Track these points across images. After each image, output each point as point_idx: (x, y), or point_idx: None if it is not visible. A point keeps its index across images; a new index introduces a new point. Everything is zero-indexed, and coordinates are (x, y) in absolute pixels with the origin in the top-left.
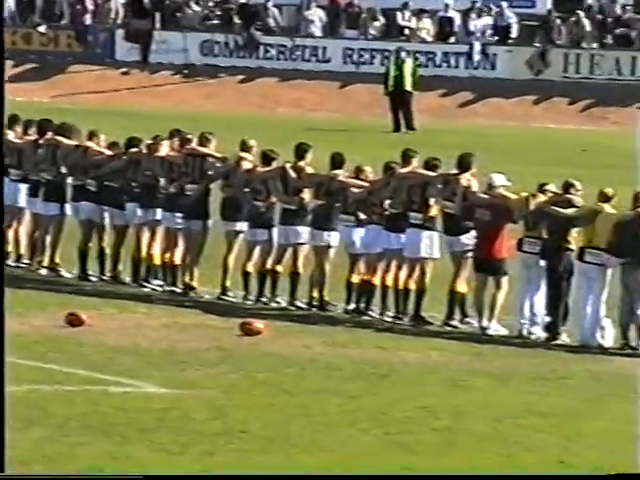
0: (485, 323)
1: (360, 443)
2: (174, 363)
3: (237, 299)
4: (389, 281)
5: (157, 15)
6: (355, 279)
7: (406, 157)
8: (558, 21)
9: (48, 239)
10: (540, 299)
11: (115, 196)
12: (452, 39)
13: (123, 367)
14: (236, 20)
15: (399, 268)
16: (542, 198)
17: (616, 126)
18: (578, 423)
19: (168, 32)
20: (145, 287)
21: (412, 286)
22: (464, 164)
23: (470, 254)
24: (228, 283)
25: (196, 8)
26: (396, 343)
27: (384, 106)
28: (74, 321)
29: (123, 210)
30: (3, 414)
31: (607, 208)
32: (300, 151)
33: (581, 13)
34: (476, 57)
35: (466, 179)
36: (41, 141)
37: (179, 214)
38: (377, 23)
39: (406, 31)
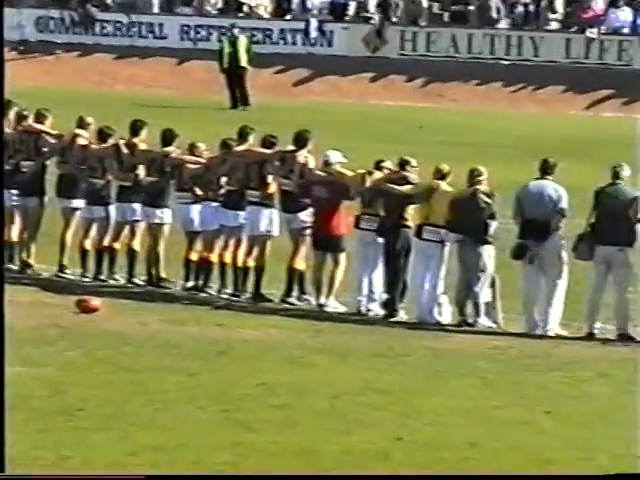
0: (323, 300)
1: (198, 420)
2: (11, 341)
3: (75, 276)
4: (227, 258)
5: None
6: (193, 256)
7: (243, 134)
8: None
9: None
10: (378, 276)
11: None
12: (289, 16)
13: None
14: None
15: (238, 246)
16: (379, 175)
17: (453, 103)
18: (416, 400)
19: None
20: None
21: (251, 263)
22: (301, 141)
23: (308, 231)
24: (65, 260)
25: None
26: (235, 320)
27: (221, 83)
28: None
29: None
30: (3, 414)
31: (443, 185)
32: (135, 128)
33: None
34: (313, 34)
35: (303, 156)
36: None
37: (15, 191)
38: (214, 0)
39: (244, 8)
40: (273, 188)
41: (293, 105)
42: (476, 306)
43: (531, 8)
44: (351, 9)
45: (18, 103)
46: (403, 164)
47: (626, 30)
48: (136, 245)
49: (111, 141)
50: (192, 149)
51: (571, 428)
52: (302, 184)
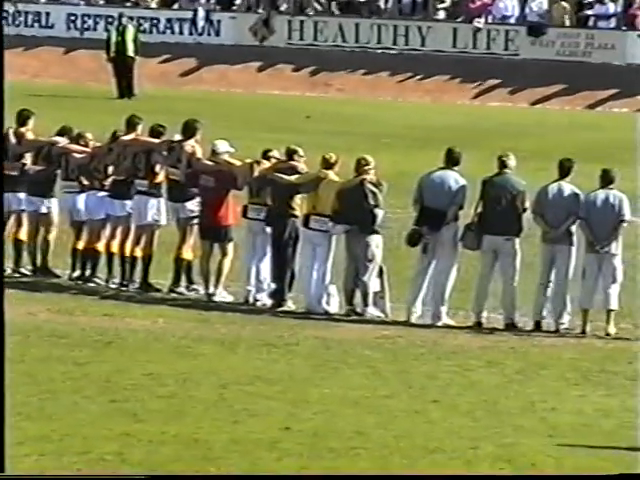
0: (211, 290)
1: (86, 411)
2: None
3: None
4: (115, 248)
5: None
6: (80, 246)
7: (131, 124)
8: None
9: None
10: (266, 266)
11: None
12: (176, 5)
13: None
14: None
15: (125, 235)
16: (266, 165)
17: (341, 93)
18: (304, 389)
19: None
20: None
21: (139, 253)
22: (189, 130)
23: (196, 221)
24: None
25: None
26: (122, 310)
27: (109, 72)
28: None
29: None
30: (3, 414)
31: (331, 175)
32: (22, 117)
33: None
34: (200, 23)
35: (190, 146)
36: None
37: None
38: None
39: None
40: (161, 177)
41: (181, 94)
42: (364, 296)
43: None
44: None
45: None
46: (291, 154)
47: (512, 20)
48: (22, 235)
49: None
50: (79, 138)
51: (458, 417)
52: (190, 173)
